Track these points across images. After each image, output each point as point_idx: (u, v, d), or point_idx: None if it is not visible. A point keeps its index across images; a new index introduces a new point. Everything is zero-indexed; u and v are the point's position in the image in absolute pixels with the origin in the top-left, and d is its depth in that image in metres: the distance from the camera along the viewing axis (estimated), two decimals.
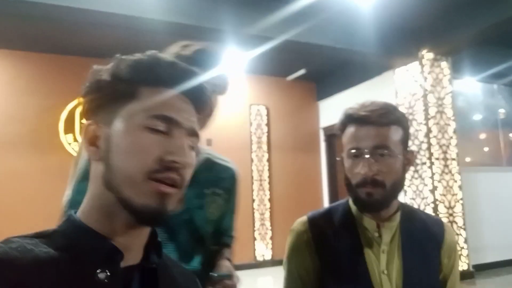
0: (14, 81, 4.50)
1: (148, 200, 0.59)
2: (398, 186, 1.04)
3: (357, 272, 1.02)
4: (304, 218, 1.15)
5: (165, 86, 0.64)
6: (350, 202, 1.11)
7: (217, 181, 1.24)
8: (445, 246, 1.10)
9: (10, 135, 4.40)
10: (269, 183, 6.05)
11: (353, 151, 1.03)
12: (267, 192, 6.03)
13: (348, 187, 1.05)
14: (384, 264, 1.03)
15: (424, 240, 1.08)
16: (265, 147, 6.09)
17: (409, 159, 1.07)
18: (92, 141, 0.64)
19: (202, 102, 0.69)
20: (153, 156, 0.60)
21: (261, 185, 6.02)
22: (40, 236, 0.62)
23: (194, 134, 0.65)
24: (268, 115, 6.17)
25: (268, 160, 6.08)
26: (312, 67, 5.85)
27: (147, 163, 0.59)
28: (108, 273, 0.59)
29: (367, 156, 1.00)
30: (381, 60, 4.91)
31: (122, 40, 3.86)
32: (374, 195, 1.00)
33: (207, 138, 5.56)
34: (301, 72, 5.98)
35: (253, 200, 5.93)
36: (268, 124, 6.15)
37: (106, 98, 0.65)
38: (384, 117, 1.02)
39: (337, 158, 1.10)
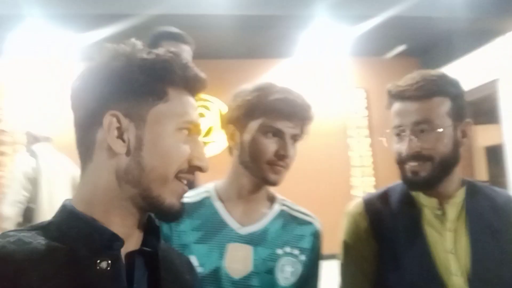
0: None
1: (173, 199, 0.65)
2: (449, 161, 0.96)
3: (418, 253, 0.96)
4: (359, 200, 1.11)
5: (185, 88, 0.68)
6: None
7: (294, 239, 1.06)
8: None
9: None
10: (374, 169, 5.80)
11: (395, 129, 0.99)
12: (372, 179, 5.80)
13: (397, 166, 1.01)
14: (451, 243, 0.96)
15: (494, 218, 0.98)
16: (366, 131, 5.85)
17: (464, 131, 0.99)
18: (119, 133, 0.62)
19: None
20: (184, 158, 0.65)
21: (363, 171, 5.81)
22: (37, 228, 0.62)
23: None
24: (367, 97, 5.90)
25: (371, 145, 5.83)
26: (414, 42, 5.41)
27: (180, 164, 0.65)
28: (109, 261, 0.59)
29: (407, 133, 0.95)
30: (492, 24, 4.33)
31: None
32: (419, 172, 0.95)
33: None
34: (401, 48, 5.58)
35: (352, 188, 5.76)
36: (368, 108, 5.89)
37: (131, 91, 0.63)
38: (422, 90, 0.95)
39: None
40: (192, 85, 0.68)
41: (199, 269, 0.97)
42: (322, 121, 5.68)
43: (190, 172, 0.67)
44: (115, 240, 0.61)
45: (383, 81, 5.02)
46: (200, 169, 0.67)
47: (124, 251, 0.63)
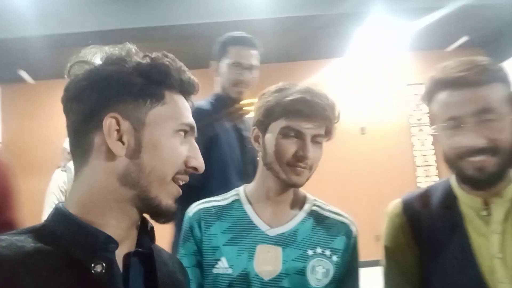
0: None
1: (169, 201, 0.66)
2: None
3: (461, 258, 0.89)
4: (398, 200, 1.05)
5: (180, 91, 0.69)
6: (452, 179, 0.98)
7: (325, 239, 1.03)
8: None
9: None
10: (437, 168, 5.51)
11: (451, 121, 0.88)
12: (435, 178, 5.50)
13: (450, 163, 0.91)
14: (497, 247, 0.87)
15: None
16: (427, 129, 5.57)
17: None
18: (118, 136, 0.62)
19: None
20: (182, 159, 0.67)
21: (426, 170, 5.53)
22: (29, 231, 0.60)
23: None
24: None
25: (433, 143, 5.54)
26: (478, 32, 5.06)
27: (177, 165, 0.66)
28: (104, 265, 0.58)
29: (468, 124, 0.85)
30: None
31: None
32: (487, 167, 0.85)
33: (360, 127, 5.40)
34: (463, 39, 5.25)
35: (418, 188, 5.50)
36: None
37: (130, 93, 0.63)
38: (483, 75, 0.86)
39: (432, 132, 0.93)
40: (187, 88, 0.70)
41: (229, 271, 0.99)
42: (384, 121, 5.52)
43: (186, 173, 0.68)
44: (110, 243, 0.61)
45: None
46: (196, 169, 0.68)
47: (119, 253, 0.63)
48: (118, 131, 0.62)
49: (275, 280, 0.97)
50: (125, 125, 0.63)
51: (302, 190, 1.10)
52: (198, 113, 1.77)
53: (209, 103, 1.87)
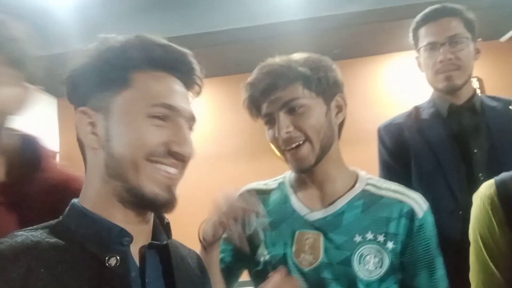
0: (229, 102, 5.29)
1: (154, 187, 0.61)
2: None
3: None
4: (491, 181, 0.97)
5: (157, 70, 0.64)
6: None
7: (378, 222, 0.89)
8: None
9: (231, 147, 5.20)
10: None
11: None
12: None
13: None
14: None
15: None
16: None
17: None
18: (90, 129, 0.62)
19: (193, 82, 0.68)
20: (154, 142, 0.61)
21: None
22: (44, 227, 0.61)
23: (192, 118, 0.67)
24: (481, 87, 5.31)
25: None
26: None
27: (148, 146, 0.61)
28: (118, 258, 0.58)
29: None
30: None
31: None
32: None
33: None
34: None
35: None
36: None
37: (95, 84, 0.62)
38: None
39: None
40: (168, 65, 0.64)
41: (267, 258, 0.93)
42: None
43: (168, 157, 0.62)
44: (124, 236, 0.60)
45: (500, 67, 4.48)
46: (180, 155, 0.63)
47: (136, 248, 0.63)
48: (93, 124, 0.62)
49: (315, 270, 0.87)
50: (96, 116, 0.62)
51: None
52: (386, 131, 1.43)
53: (405, 115, 1.52)
